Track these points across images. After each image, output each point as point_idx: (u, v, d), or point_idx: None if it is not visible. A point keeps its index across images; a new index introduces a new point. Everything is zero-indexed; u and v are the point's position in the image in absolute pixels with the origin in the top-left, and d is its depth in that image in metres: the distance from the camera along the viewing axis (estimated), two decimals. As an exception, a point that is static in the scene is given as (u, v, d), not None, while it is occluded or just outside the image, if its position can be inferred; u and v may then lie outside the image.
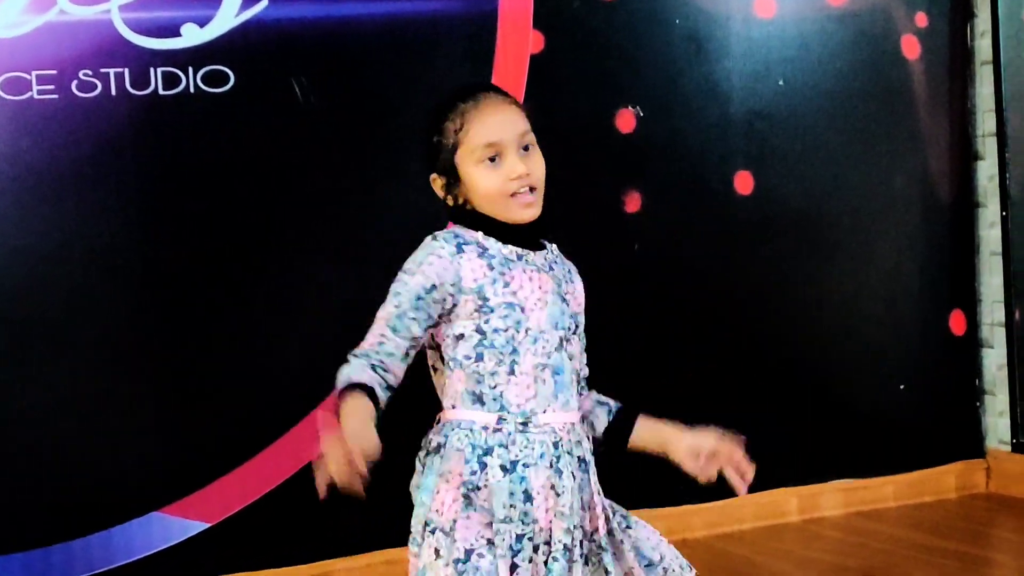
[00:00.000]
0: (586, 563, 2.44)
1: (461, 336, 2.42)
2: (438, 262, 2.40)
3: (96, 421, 4.13)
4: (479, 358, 2.40)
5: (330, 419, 2.23)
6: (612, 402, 2.64)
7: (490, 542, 2.35)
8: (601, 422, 2.60)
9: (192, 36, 4.15)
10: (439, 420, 2.49)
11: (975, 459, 5.25)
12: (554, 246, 2.56)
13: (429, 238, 2.46)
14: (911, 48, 5.10)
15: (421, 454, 2.49)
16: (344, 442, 2.12)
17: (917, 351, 5.19)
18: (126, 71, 4.10)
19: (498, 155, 2.42)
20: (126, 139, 4.12)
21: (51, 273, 4.07)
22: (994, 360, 5.21)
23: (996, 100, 5.12)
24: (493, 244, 2.44)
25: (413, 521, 2.44)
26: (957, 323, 5.22)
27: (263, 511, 4.27)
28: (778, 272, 4.97)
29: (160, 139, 4.16)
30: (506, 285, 2.43)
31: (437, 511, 2.38)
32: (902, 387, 5.15)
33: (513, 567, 2.35)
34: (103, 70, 4.08)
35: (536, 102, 4.48)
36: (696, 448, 2.55)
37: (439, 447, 2.42)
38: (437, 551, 2.37)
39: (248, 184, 4.28)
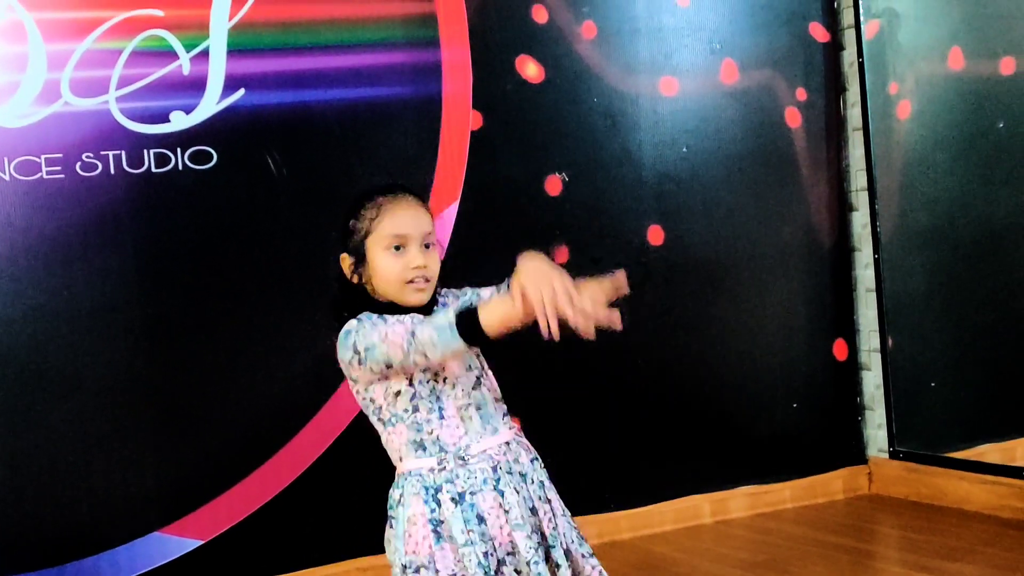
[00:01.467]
0: (546, 559, 2.41)
1: (398, 392, 2.39)
2: (382, 326, 2.36)
3: (101, 455, 4.10)
4: (416, 409, 2.39)
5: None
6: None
7: (462, 563, 2.34)
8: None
9: (180, 122, 4.15)
10: (397, 475, 2.47)
11: (859, 465, 5.26)
12: (442, 291, 2.54)
13: (354, 321, 2.40)
14: (794, 118, 5.15)
15: (390, 510, 2.46)
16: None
17: (807, 374, 5.21)
18: (123, 153, 4.10)
19: (403, 246, 2.42)
20: (124, 211, 4.11)
21: (62, 327, 4.04)
22: (872, 381, 5.25)
23: (866, 160, 5.14)
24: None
25: (395, 571, 2.42)
26: (840, 350, 5.26)
27: (249, 528, 4.25)
28: (687, 311, 4.97)
29: (154, 211, 4.14)
30: None
31: (414, 552, 2.37)
32: (795, 405, 5.16)
33: None
34: (103, 152, 4.08)
35: (476, 171, 4.50)
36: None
37: (400, 498, 2.41)
38: None
39: (230, 245, 4.27)
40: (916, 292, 5.22)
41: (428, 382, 2.40)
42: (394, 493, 2.43)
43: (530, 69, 4.68)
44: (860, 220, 5.24)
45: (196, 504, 4.21)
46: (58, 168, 4.03)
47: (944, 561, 4.27)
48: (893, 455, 5.19)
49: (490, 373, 2.54)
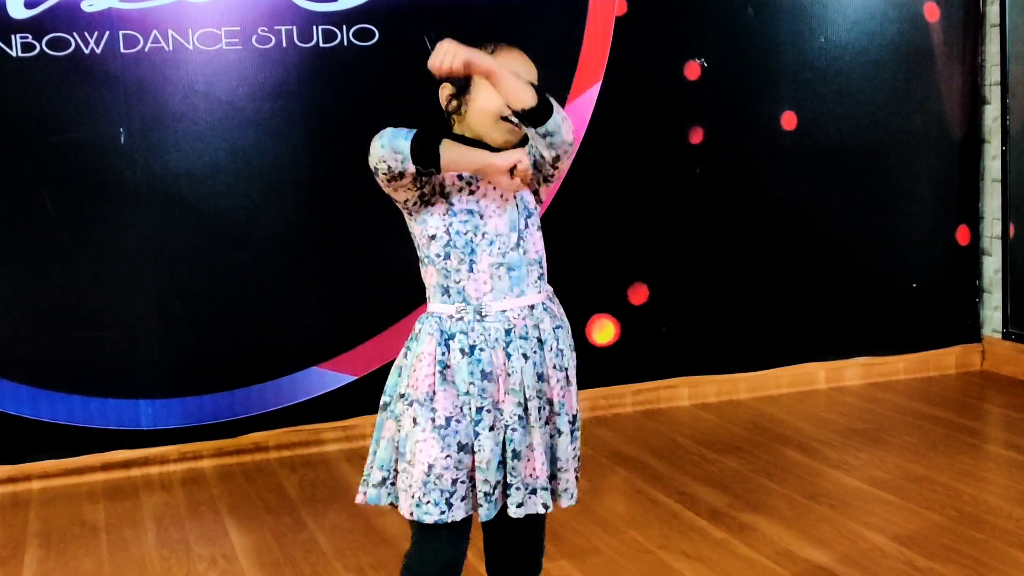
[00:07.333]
0: (545, 424, 1.90)
1: (433, 236, 1.90)
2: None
3: (269, 297, 3.67)
4: (447, 256, 1.89)
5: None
6: None
7: (461, 410, 1.86)
8: None
9: (346, 1, 3.58)
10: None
11: (973, 343, 4.35)
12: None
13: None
14: (932, 12, 4.15)
15: (408, 341, 1.96)
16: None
17: (928, 257, 4.29)
18: (294, 28, 3.57)
19: None
20: (294, 81, 3.60)
21: (237, 182, 3.59)
22: (991, 266, 4.30)
23: (1001, 56, 4.18)
24: None
25: (390, 389, 1.93)
26: (963, 235, 4.31)
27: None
28: (816, 192, 4.12)
29: (320, 81, 3.62)
30: (471, 194, 1.90)
31: (412, 386, 1.87)
32: (914, 285, 4.28)
33: (476, 434, 1.86)
34: (276, 27, 3.56)
35: (619, 54, 3.80)
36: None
37: (417, 333, 1.93)
38: (415, 419, 1.86)
39: (387, 114, 3.58)
40: (1042, 184, 4.21)
41: (465, 234, 1.88)
42: (416, 327, 1.95)
43: (676, -41, 3.87)
44: (991, 113, 4.24)
45: (350, 346, 3.76)
46: (236, 40, 3.57)
47: (1041, 442, 3.37)
48: (1006, 336, 4.27)
49: (536, 236, 1.93)
